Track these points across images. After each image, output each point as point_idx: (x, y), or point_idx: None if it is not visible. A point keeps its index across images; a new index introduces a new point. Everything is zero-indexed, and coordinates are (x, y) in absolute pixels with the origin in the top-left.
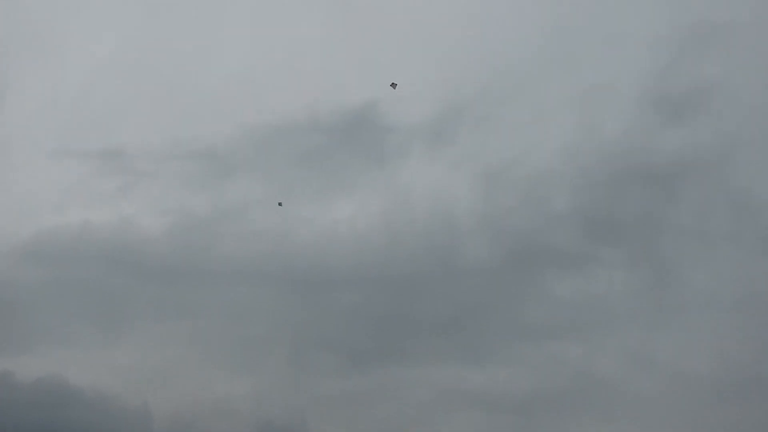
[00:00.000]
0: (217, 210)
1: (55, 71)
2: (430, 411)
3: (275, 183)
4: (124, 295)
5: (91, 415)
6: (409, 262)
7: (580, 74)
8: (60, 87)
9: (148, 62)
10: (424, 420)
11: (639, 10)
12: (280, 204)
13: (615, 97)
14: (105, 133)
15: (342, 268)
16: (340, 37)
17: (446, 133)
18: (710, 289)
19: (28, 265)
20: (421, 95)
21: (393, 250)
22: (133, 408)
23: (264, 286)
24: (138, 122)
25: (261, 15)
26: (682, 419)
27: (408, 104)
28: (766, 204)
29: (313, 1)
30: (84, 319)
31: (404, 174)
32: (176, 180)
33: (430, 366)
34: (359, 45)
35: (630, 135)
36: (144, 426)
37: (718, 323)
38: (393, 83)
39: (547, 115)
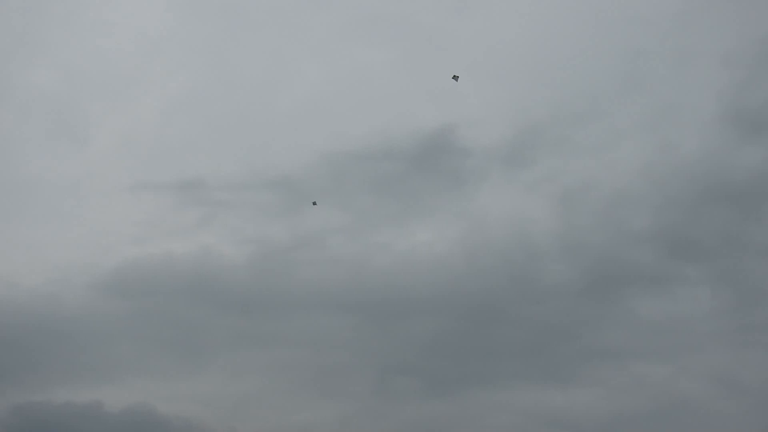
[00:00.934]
0: (296, 238)
1: (133, 108)
2: None
3: (352, 210)
4: (206, 324)
5: None
6: (489, 285)
7: (655, 93)
8: (137, 123)
9: (221, 94)
10: None
11: (710, 26)
12: (314, 203)
13: (691, 115)
14: (183, 165)
15: (421, 293)
16: (413, 61)
17: (523, 155)
18: None
19: (111, 297)
20: (497, 118)
21: (472, 274)
22: None
23: (344, 313)
24: (215, 153)
25: (333, 42)
26: None
27: (483, 127)
28: None
29: (384, 26)
30: (168, 348)
31: (481, 197)
32: (254, 209)
33: (512, 389)
34: (432, 69)
35: (708, 152)
36: None
37: None
38: (455, 76)
39: (624, 134)
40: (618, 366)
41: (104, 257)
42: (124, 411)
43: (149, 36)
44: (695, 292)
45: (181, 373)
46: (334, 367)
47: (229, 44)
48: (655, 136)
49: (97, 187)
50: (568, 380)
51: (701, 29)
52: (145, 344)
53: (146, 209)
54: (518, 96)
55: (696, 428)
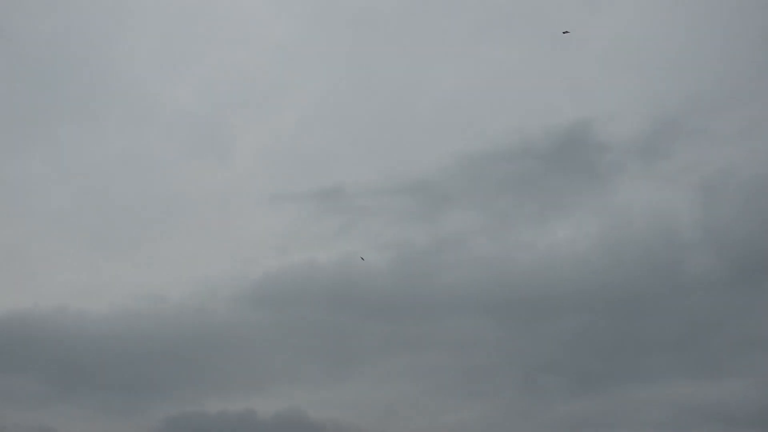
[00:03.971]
0: (436, 240)
1: (271, 119)
2: (667, 429)
3: (491, 210)
4: (351, 330)
5: None
6: (633, 279)
7: None
8: (276, 134)
9: (357, 101)
10: None
11: None
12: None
13: None
14: (322, 174)
15: (565, 291)
16: (547, 59)
17: (661, 147)
18: None
19: (258, 307)
20: (633, 111)
21: (615, 269)
22: None
23: (487, 314)
24: (352, 160)
25: (466, 43)
26: None
27: (620, 121)
28: None
29: (517, 25)
30: (315, 356)
31: (621, 191)
32: (394, 213)
33: (663, 383)
34: (567, 65)
35: None
36: None
37: None
38: (565, 31)
39: (762, 121)
40: None
41: (249, 268)
42: (276, 417)
43: (284, 47)
44: None
45: (330, 380)
46: (481, 368)
47: (363, 50)
48: None
49: (239, 199)
50: (720, 371)
51: None
52: (293, 352)
53: (288, 219)
54: (653, 88)
55: None
